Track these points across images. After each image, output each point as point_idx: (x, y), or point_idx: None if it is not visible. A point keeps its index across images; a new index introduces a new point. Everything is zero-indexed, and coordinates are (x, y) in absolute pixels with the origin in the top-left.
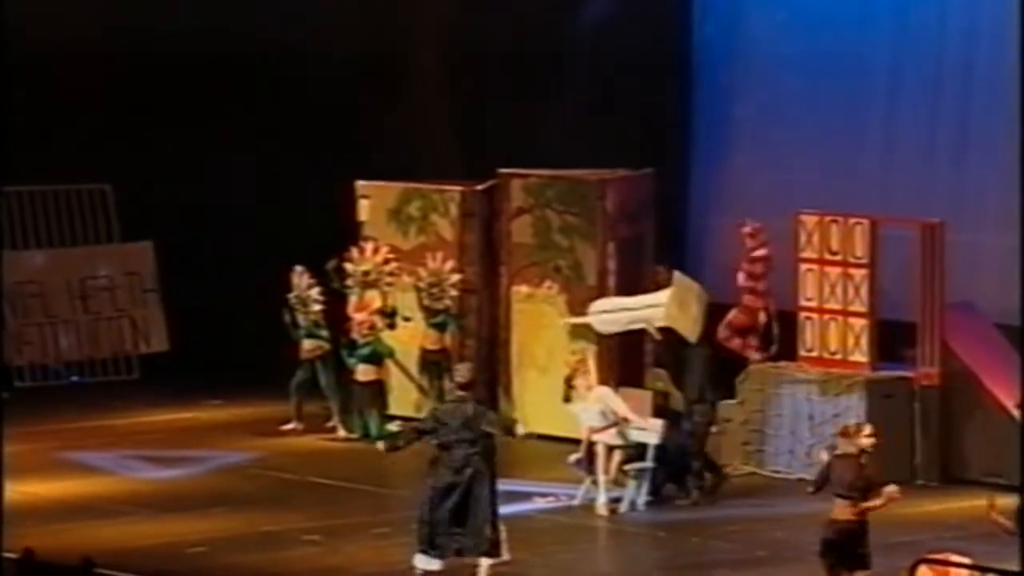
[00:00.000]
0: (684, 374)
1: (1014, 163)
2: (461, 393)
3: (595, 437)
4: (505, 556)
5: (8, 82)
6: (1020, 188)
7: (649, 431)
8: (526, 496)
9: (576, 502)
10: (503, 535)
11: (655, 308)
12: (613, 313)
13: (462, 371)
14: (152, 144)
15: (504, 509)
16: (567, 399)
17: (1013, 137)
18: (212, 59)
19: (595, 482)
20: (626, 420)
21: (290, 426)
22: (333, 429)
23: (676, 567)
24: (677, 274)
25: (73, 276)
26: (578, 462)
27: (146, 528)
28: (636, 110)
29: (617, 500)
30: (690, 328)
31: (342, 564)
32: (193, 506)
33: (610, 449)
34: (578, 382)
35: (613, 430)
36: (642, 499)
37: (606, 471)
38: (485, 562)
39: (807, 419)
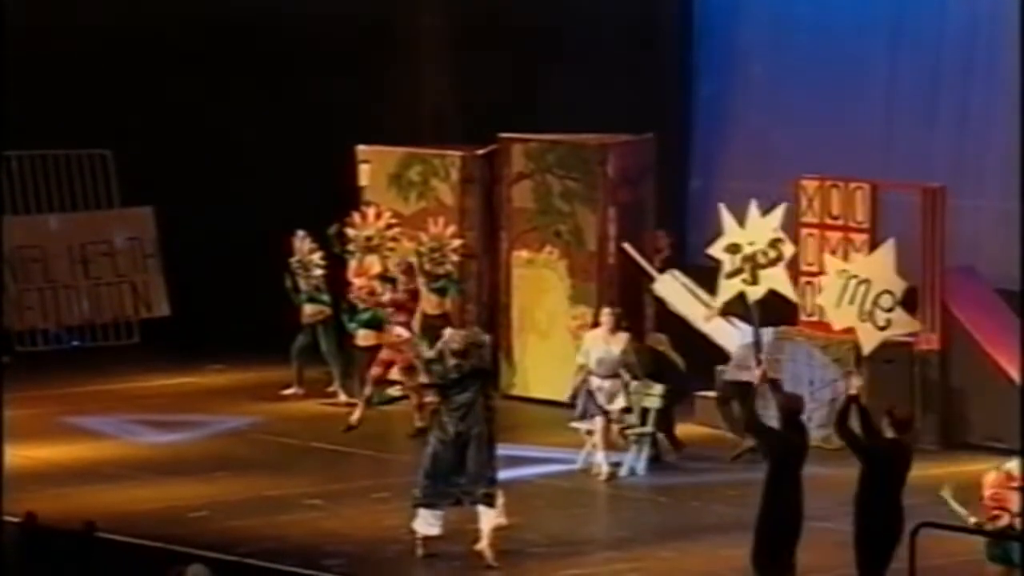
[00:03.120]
0: None
1: (1015, 128)
2: (457, 361)
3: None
4: (502, 520)
5: (7, 45)
6: (1021, 153)
7: (651, 395)
8: (525, 461)
9: (576, 466)
10: (501, 499)
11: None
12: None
13: (456, 339)
14: (152, 109)
15: (503, 474)
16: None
17: (1014, 102)
18: (213, 23)
19: (593, 443)
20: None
21: (291, 391)
22: (334, 394)
23: (674, 531)
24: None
25: (74, 241)
26: (573, 398)
27: (147, 492)
28: (638, 74)
29: (617, 464)
30: None
31: (342, 528)
32: (194, 470)
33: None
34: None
35: (618, 400)
36: (642, 464)
37: (603, 433)
38: (485, 514)
39: (807, 384)
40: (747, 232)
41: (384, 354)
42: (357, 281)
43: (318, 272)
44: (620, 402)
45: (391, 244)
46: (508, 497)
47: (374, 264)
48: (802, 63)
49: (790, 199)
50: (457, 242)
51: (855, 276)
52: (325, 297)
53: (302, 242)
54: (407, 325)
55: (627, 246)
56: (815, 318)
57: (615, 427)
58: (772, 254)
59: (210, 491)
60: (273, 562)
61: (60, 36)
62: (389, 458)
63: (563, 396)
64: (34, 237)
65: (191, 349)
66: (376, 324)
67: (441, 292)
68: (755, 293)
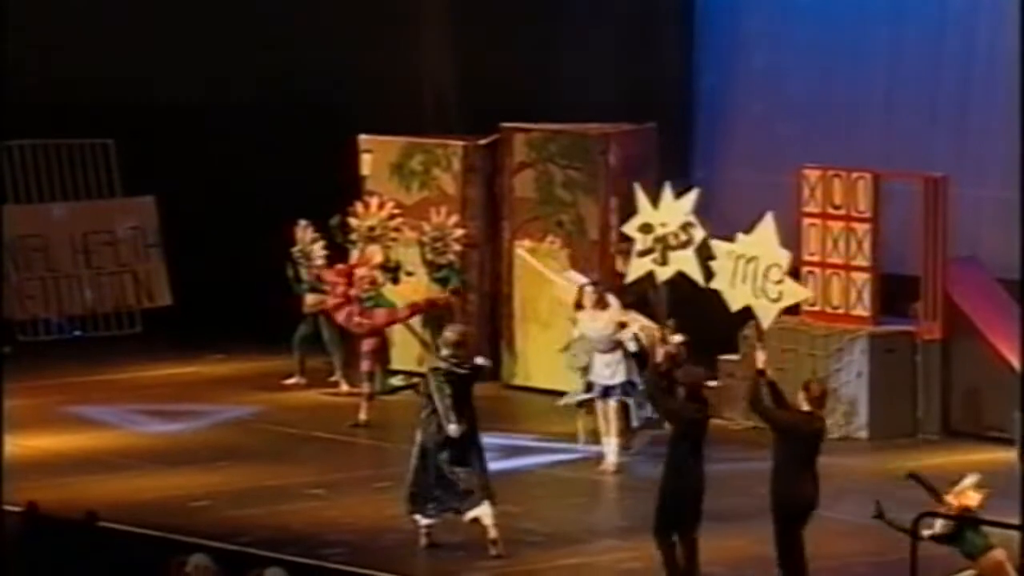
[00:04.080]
0: None
1: (1016, 117)
2: (449, 352)
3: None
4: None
5: (8, 32)
6: (1021, 142)
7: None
8: (526, 450)
9: (577, 454)
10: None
11: None
12: None
13: (451, 332)
14: (154, 98)
15: (504, 463)
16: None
17: (1015, 91)
18: (214, 11)
19: (596, 434)
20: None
21: (293, 380)
22: (336, 383)
23: None
24: None
25: (76, 230)
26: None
27: (149, 482)
28: (640, 64)
29: (627, 448)
30: None
31: (344, 517)
32: (196, 460)
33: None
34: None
35: (619, 374)
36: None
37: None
38: (486, 511)
39: (809, 374)
40: (660, 213)
41: (364, 345)
42: (359, 271)
43: (320, 262)
44: (620, 376)
45: (393, 234)
46: (509, 487)
47: (376, 254)
48: (804, 53)
49: (792, 189)
50: (459, 232)
51: (743, 255)
52: (327, 287)
53: (304, 232)
54: (351, 314)
55: (521, 252)
56: (816, 308)
57: (612, 406)
58: (683, 237)
59: (212, 481)
60: (275, 551)
61: (61, 24)
62: (391, 447)
63: (565, 385)
64: (36, 226)
65: (193, 339)
66: None
67: (443, 282)
68: (664, 274)
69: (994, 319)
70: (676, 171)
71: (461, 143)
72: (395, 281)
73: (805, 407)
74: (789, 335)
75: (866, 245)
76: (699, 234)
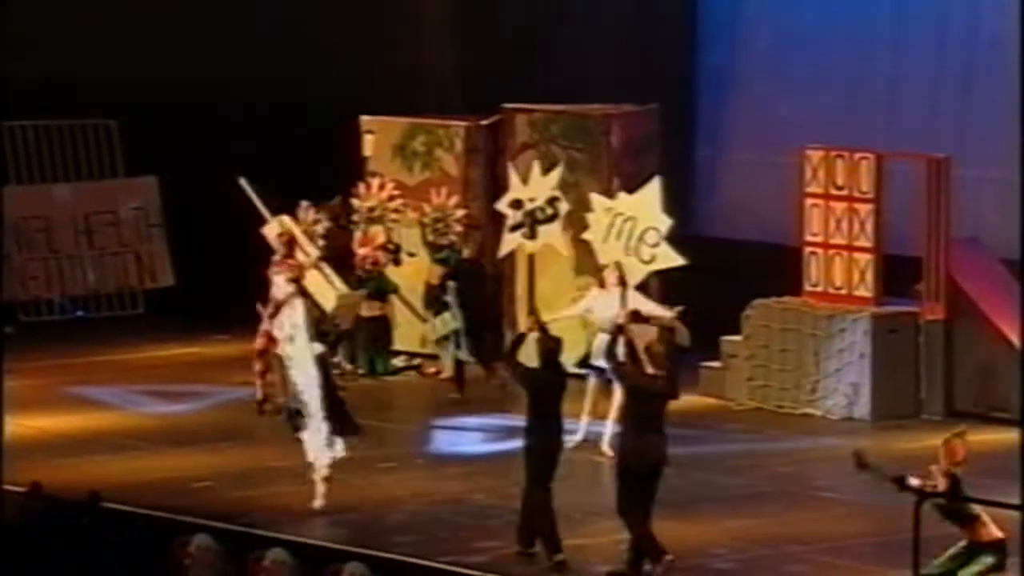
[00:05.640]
0: None
1: (1018, 98)
2: None
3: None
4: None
5: (9, 17)
6: (1022, 123)
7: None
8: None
9: (578, 437)
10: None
11: None
12: None
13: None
14: (156, 79)
15: (505, 444)
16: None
17: (1017, 72)
18: None
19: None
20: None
21: None
22: (338, 364)
23: (676, 501)
24: None
25: (79, 211)
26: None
27: (152, 462)
28: (643, 44)
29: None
30: None
31: (348, 498)
32: (199, 441)
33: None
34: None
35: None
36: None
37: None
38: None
39: (812, 354)
40: (529, 189)
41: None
42: (361, 252)
43: (321, 243)
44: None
45: (394, 215)
46: (509, 468)
47: (378, 235)
48: (807, 33)
49: (795, 169)
50: (461, 212)
51: (621, 214)
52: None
53: (306, 213)
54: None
55: (242, 182)
56: (819, 288)
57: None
58: (549, 211)
59: (214, 461)
60: (277, 532)
61: (62, 6)
62: (393, 428)
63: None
64: (39, 207)
65: (196, 319)
66: (380, 294)
67: (445, 262)
68: (532, 247)
69: (997, 299)
70: (679, 152)
71: (463, 124)
72: (396, 262)
73: (649, 369)
74: (792, 315)
75: (869, 226)
76: (564, 207)
